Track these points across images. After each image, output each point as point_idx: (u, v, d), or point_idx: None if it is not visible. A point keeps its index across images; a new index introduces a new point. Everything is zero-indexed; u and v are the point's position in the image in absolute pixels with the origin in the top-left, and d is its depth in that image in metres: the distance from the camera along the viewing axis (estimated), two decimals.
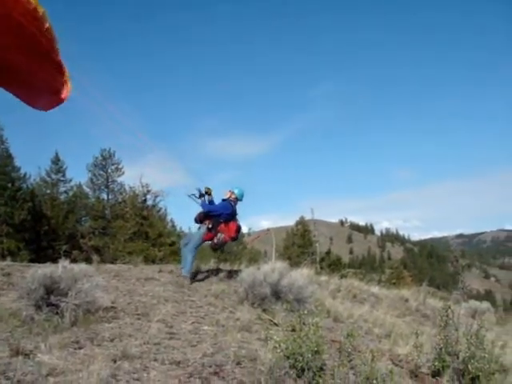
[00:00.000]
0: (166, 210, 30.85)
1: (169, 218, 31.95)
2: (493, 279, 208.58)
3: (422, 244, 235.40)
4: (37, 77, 5.20)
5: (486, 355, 5.20)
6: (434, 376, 5.36)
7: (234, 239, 9.43)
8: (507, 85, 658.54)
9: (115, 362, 4.16)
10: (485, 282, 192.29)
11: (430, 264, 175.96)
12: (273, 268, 7.49)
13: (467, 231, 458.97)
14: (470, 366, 5.13)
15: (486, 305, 14.59)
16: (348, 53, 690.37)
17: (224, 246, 9.59)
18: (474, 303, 14.50)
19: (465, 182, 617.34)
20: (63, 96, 5.51)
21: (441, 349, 5.48)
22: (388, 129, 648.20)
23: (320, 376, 4.27)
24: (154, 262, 19.06)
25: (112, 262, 13.38)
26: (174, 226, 33.01)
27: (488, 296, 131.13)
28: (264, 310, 6.96)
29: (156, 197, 28.91)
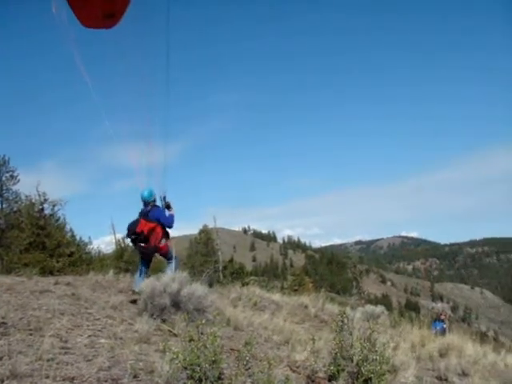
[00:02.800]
0: (64, 219, 29.71)
1: (68, 227, 30.74)
2: (389, 283, 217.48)
3: (322, 251, 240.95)
4: None
5: (378, 357, 5.44)
6: (329, 380, 5.53)
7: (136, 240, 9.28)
8: (409, 101, 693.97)
9: (2, 382, 3.95)
10: (382, 287, 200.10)
11: (331, 270, 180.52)
12: (173, 278, 7.45)
13: (365, 238, 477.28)
14: (363, 369, 5.35)
15: (380, 308, 15.13)
16: (248, 62, 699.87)
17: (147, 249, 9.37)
18: (369, 307, 15.04)
19: (362, 190, 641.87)
20: (112, 21, 5.47)
21: (336, 353, 5.67)
22: (287, 138, 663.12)
23: None
24: (51, 273, 18.36)
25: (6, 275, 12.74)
26: (73, 235, 31.79)
27: (385, 300, 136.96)
28: (164, 321, 6.90)
29: (54, 206, 27.81)
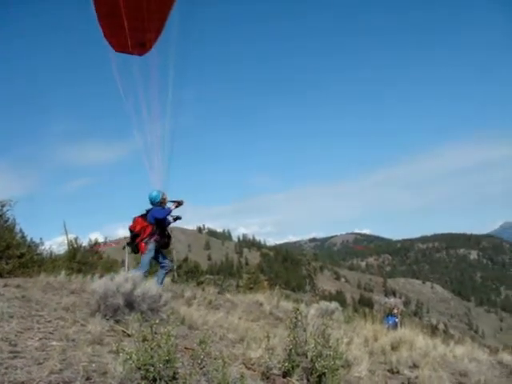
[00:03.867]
0: (14, 219, 28.90)
1: (18, 228, 29.90)
2: (343, 280, 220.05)
3: (277, 249, 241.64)
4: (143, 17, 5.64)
5: (332, 353, 5.52)
6: (284, 376, 5.56)
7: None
8: (356, 100, 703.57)
9: None
10: (336, 283, 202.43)
11: (286, 268, 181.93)
12: (126, 278, 7.36)
13: (319, 235, 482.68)
14: (317, 364, 5.42)
15: (334, 305, 15.28)
16: (208, 63, 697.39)
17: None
18: (324, 304, 15.18)
19: (316, 188, 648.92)
20: (144, 49, 5.91)
21: (291, 350, 5.71)
22: (244, 136, 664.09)
23: None
24: (1, 275, 17.90)
25: None
26: (23, 236, 30.95)
27: (339, 296, 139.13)
28: (117, 322, 6.80)
29: (3, 206, 27.07)
